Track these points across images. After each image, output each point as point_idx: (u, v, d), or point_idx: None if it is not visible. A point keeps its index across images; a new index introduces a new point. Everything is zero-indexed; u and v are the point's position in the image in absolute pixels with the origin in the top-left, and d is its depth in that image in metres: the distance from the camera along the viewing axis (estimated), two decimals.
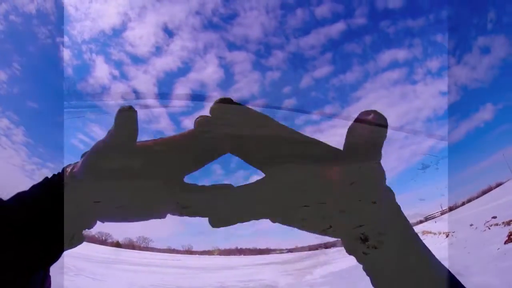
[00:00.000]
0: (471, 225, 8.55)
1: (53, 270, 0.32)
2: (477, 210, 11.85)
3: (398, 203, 0.29)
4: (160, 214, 0.31)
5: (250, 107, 0.26)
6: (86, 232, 0.32)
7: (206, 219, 0.29)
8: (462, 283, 0.28)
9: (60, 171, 0.31)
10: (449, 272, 0.28)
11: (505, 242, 5.11)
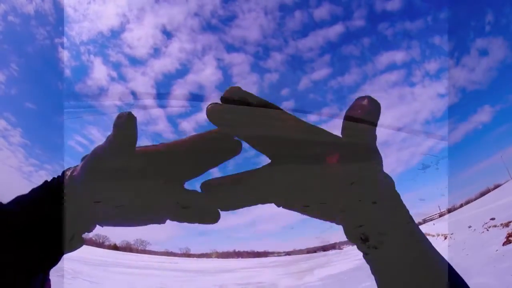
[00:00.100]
0: (469, 226, 8.56)
1: (52, 273, 0.32)
2: (475, 211, 11.90)
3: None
4: (159, 218, 0.31)
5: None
6: (84, 235, 0.32)
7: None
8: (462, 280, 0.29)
9: (60, 174, 0.31)
10: (450, 265, 0.29)
11: (504, 244, 5.12)
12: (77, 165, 0.30)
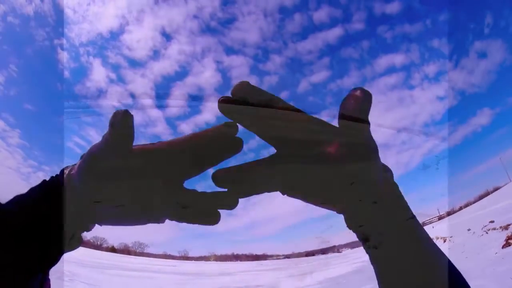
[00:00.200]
0: (468, 229, 8.56)
1: (51, 275, 0.31)
2: (474, 214, 11.89)
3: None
4: (159, 216, 0.30)
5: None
6: (82, 235, 0.31)
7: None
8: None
9: (58, 173, 0.31)
10: (451, 263, 0.29)
11: (503, 247, 5.12)
12: (75, 164, 0.30)
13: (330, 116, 0.29)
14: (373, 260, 0.30)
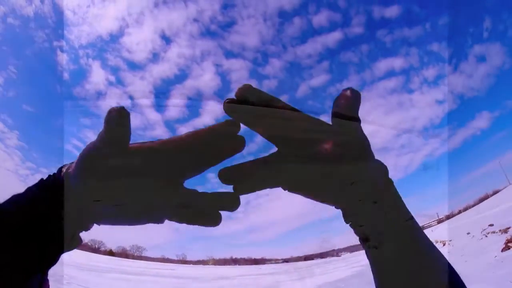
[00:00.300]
0: (468, 233, 8.55)
1: (50, 277, 0.31)
2: (474, 218, 11.89)
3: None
4: (158, 216, 0.30)
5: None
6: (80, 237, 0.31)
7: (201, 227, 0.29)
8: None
9: (56, 171, 0.30)
10: (449, 265, 0.29)
11: (502, 250, 5.11)
12: (72, 162, 0.29)
13: (329, 120, 0.30)
14: (372, 260, 0.30)
